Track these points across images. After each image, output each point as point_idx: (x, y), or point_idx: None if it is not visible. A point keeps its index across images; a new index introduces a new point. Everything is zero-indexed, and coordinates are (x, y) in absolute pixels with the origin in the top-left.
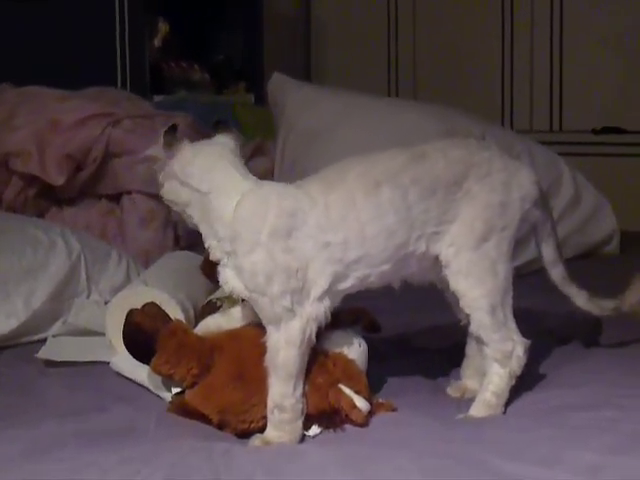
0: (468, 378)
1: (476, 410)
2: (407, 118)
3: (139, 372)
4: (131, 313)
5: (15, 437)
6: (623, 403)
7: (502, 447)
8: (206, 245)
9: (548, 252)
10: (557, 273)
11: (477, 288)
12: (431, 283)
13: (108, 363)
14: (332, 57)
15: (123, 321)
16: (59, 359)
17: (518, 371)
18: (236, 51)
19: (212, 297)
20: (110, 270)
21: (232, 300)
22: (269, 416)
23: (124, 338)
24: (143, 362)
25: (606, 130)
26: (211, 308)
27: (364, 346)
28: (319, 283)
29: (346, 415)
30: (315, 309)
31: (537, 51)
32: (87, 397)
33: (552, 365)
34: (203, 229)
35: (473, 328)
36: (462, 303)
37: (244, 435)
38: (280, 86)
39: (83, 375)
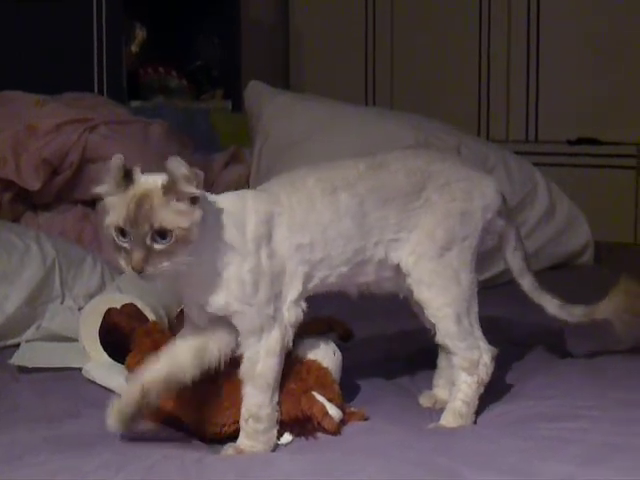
0: (439, 388)
1: (446, 420)
2: (383, 127)
3: (111, 380)
4: (109, 312)
5: None
6: (592, 414)
7: (472, 457)
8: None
9: (515, 263)
10: (527, 283)
11: (441, 297)
12: (392, 293)
13: (81, 369)
14: (310, 65)
15: (97, 327)
16: (32, 365)
17: (486, 379)
18: (214, 58)
19: None
20: (85, 276)
21: None
22: (242, 425)
23: (100, 336)
24: (118, 361)
25: (581, 141)
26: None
27: (338, 354)
28: (295, 285)
29: (318, 423)
30: (293, 313)
31: (513, 61)
32: (59, 403)
33: (521, 376)
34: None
35: (439, 337)
36: (427, 313)
37: (215, 440)
38: (257, 94)
39: (56, 381)
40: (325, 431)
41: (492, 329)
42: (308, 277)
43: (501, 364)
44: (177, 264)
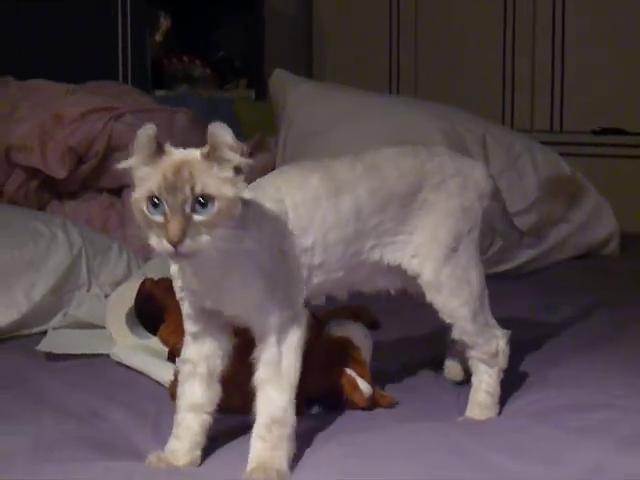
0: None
1: (473, 412)
2: (408, 117)
3: (138, 360)
4: (144, 283)
5: (17, 431)
6: (622, 404)
7: (502, 446)
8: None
9: (503, 227)
10: (513, 240)
11: (454, 299)
12: (383, 291)
13: (108, 355)
14: (333, 54)
15: (124, 314)
16: (59, 352)
17: (505, 364)
18: (237, 47)
19: None
20: (111, 263)
21: None
22: (264, 435)
23: (135, 306)
24: (151, 332)
25: (606, 131)
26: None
27: (369, 337)
28: (303, 290)
29: (348, 397)
30: (305, 316)
31: (539, 51)
32: (87, 395)
33: (549, 365)
34: None
35: (456, 335)
36: (441, 315)
37: (243, 412)
38: (281, 82)
39: (83, 369)
40: (354, 405)
41: (522, 320)
42: (306, 282)
43: (528, 353)
44: (220, 240)
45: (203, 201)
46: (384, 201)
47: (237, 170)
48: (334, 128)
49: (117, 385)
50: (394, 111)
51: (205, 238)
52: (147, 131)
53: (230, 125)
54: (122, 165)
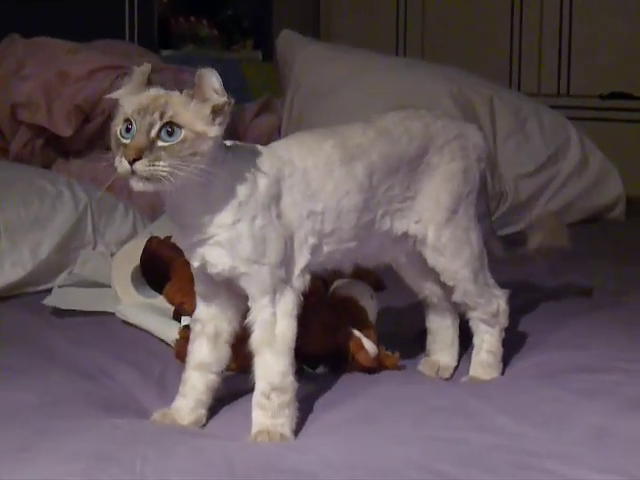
0: (438, 353)
1: (476, 372)
2: (416, 78)
3: (144, 319)
4: (150, 241)
5: (23, 387)
6: (627, 367)
7: (505, 406)
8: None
9: (479, 205)
10: (483, 226)
11: (456, 261)
12: (385, 265)
13: (113, 314)
14: (341, 15)
15: (129, 272)
16: (65, 307)
17: (506, 323)
18: (245, 7)
19: None
20: (117, 222)
21: None
22: (263, 403)
23: (141, 264)
24: (157, 290)
25: (614, 95)
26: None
27: (375, 298)
28: (304, 254)
29: (353, 357)
30: (301, 281)
31: (546, 14)
32: (92, 353)
33: (555, 327)
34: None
35: (457, 297)
36: (443, 277)
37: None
38: (289, 43)
39: (89, 326)
40: (360, 365)
41: (521, 283)
42: (316, 250)
43: (533, 316)
44: (178, 170)
45: (170, 129)
46: (394, 166)
47: (215, 111)
48: (341, 89)
49: (123, 343)
50: (401, 72)
51: (162, 163)
52: (142, 68)
53: (237, 86)
54: (110, 95)
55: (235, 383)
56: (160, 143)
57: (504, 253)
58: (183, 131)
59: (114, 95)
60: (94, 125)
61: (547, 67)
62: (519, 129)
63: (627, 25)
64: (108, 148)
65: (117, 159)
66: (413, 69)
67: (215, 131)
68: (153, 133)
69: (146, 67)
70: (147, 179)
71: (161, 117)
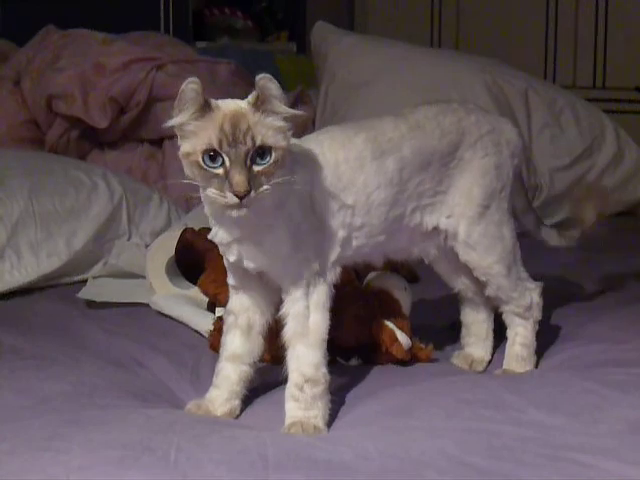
0: (472, 347)
1: (509, 365)
2: (451, 70)
3: (178, 309)
4: (185, 232)
5: (56, 377)
6: None
7: (540, 399)
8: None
9: (519, 201)
10: (530, 220)
11: (489, 256)
12: (417, 259)
13: (147, 305)
14: (375, 7)
15: (164, 263)
16: (99, 299)
17: (540, 316)
18: None
19: None
20: (151, 213)
21: None
22: (296, 395)
23: (176, 254)
24: (191, 281)
25: None
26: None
27: (409, 290)
28: (334, 247)
29: (387, 349)
30: (333, 274)
31: (582, 6)
32: (126, 343)
33: (590, 320)
34: None
35: (491, 292)
36: (476, 273)
37: (280, 363)
38: (323, 35)
39: (123, 317)
40: (393, 358)
41: (557, 275)
42: (345, 243)
43: (568, 308)
44: (276, 188)
45: (261, 152)
46: (426, 161)
47: (286, 121)
48: (376, 81)
49: (157, 334)
50: (436, 64)
51: (265, 188)
52: (192, 85)
53: None
54: (171, 123)
55: (268, 374)
56: (256, 168)
57: (560, 241)
58: (273, 152)
59: (176, 122)
60: (129, 117)
61: (583, 59)
62: (554, 121)
63: None
64: (142, 140)
65: (213, 191)
66: (447, 60)
67: (290, 137)
68: (249, 162)
69: (195, 84)
70: (253, 205)
71: (253, 144)
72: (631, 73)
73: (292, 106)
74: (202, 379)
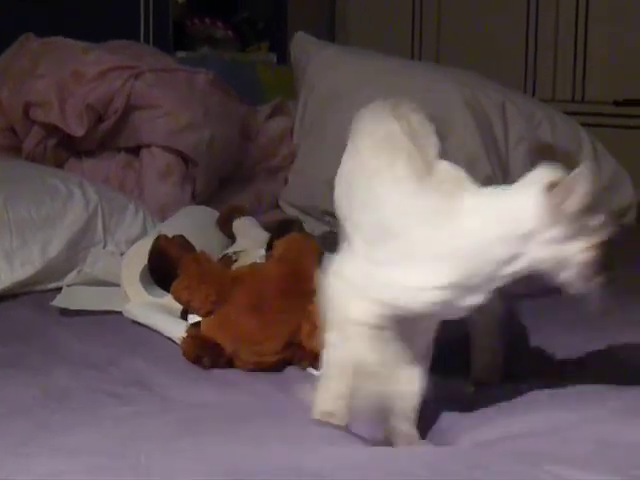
0: None
1: None
2: (429, 82)
3: (152, 317)
4: (158, 239)
5: (28, 383)
6: None
7: None
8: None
9: None
10: None
11: None
12: None
13: (122, 313)
14: (356, 19)
15: (139, 271)
16: (73, 307)
17: None
18: (260, 9)
19: (228, 251)
20: (127, 222)
21: (248, 254)
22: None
23: (149, 262)
24: (164, 288)
25: (628, 102)
26: (226, 262)
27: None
28: None
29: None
30: None
31: (562, 20)
32: (100, 348)
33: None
34: None
35: None
36: None
37: (255, 370)
38: (303, 46)
39: (96, 325)
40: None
41: None
42: None
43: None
44: None
45: None
46: None
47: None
48: (355, 93)
49: (131, 341)
50: (415, 75)
51: None
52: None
53: (253, 89)
54: None
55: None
56: None
57: None
58: None
59: None
60: (106, 125)
61: (562, 73)
62: (531, 134)
63: None
64: (119, 149)
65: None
66: (426, 72)
67: None
68: None
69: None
70: None
71: None
72: (610, 87)
73: (269, 116)
74: (179, 375)
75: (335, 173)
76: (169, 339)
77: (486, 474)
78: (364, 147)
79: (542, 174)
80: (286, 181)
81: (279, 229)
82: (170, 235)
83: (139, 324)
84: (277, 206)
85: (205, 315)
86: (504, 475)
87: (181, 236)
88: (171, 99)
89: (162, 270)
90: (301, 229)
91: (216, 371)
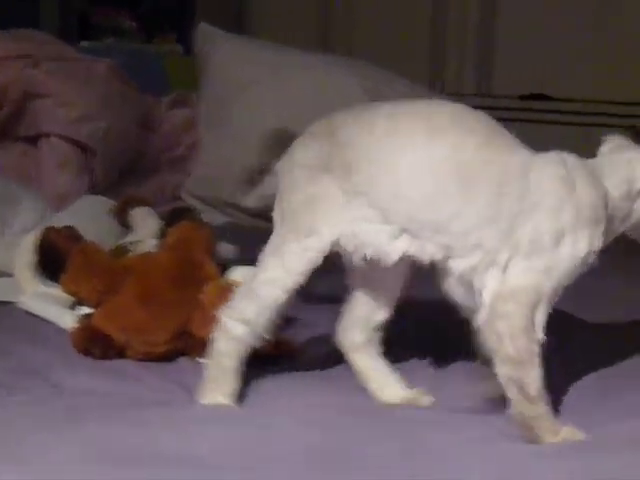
0: None
1: None
2: (331, 74)
3: (45, 308)
4: (47, 231)
5: None
6: None
7: None
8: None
9: None
10: None
11: None
12: None
13: (16, 303)
14: (265, 10)
15: (31, 262)
16: None
17: None
18: (167, 0)
19: (124, 241)
20: (24, 212)
21: (142, 245)
22: None
23: (39, 254)
24: (54, 280)
25: (533, 97)
26: (120, 252)
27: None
28: None
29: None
30: None
31: (469, 15)
32: None
33: None
34: None
35: None
36: None
37: (146, 360)
38: (206, 37)
39: None
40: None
41: None
42: None
43: None
44: None
45: None
46: None
47: None
48: (257, 85)
49: (26, 330)
50: (317, 68)
51: None
52: None
53: (157, 79)
54: None
55: None
56: None
57: None
58: None
59: None
60: (4, 114)
61: (468, 68)
62: None
63: (547, 27)
64: (18, 138)
65: None
66: (329, 65)
67: None
68: None
69: None
70: None
71: None
72: (516, 82)
73: (171, 107)
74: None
75: (240, 166)
76: (65, 330)
77: None
78: None
79: None
80: (190, 172)
81: (171, 217)
82: (62, 225)
83: (34, 315)
84: (180, 197)
85: (95, 306)
86: None
87: (70, 227)
88: (69, 88)
89: (51, 262)
90: (194, 217)
91: (112, 361)
